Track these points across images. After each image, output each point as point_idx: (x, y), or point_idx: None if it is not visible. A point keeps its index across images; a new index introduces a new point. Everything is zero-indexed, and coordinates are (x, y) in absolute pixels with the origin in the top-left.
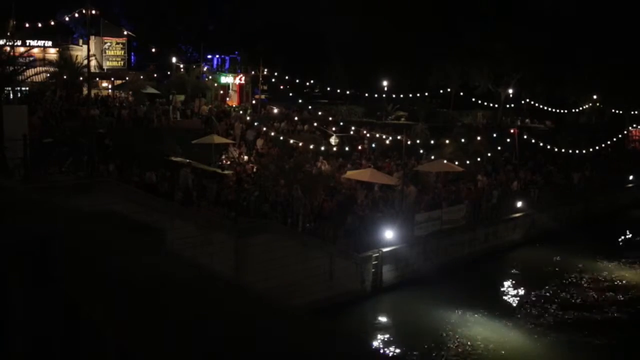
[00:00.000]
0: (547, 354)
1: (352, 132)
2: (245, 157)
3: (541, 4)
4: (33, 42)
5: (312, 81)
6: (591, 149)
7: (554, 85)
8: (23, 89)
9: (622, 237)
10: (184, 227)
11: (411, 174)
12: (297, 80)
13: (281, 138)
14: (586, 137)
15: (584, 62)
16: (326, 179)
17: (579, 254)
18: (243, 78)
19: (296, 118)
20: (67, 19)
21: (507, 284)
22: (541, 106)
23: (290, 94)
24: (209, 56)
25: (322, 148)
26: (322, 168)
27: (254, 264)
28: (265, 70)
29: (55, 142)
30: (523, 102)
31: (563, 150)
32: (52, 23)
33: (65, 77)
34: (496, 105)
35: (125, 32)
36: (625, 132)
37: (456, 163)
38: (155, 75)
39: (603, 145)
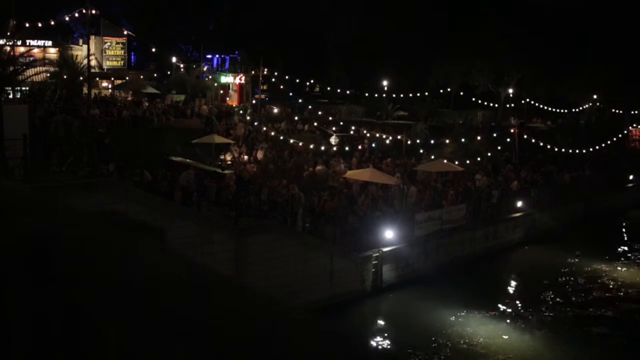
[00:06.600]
0: (547, 354)
1: (352, 132)
2: (245, 157)
3: (541, 3)
4: (33, 42)
5: (312, 81)
6: (591, 149)
7: (554, 85)
8: (23, 88)
9: (622, 237)
10: (184, 227)
11: (409, 173)
12: (297, 80)
13: (281, 138)
14: (586, 136)
15: (584, 62)
16: (326, 179)
17: (578, 254)
18: (243, 78)
19: (296, 118)
20: (67, 18)
21: (507, 283)
22: (541, 106)
23: (290, 94)
24: (209, 56)
25: (322, 148)
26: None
27: (254, 264)
28: (265, 70)
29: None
30: (523, 102)
31: (563, 150)
32: (52, 23)
33: (65, 76)
34: (496, 105)
35: (125, 32)
36: (625, 132)
37: (456, 163)
38: (155, 75)
39: (603, 145)
